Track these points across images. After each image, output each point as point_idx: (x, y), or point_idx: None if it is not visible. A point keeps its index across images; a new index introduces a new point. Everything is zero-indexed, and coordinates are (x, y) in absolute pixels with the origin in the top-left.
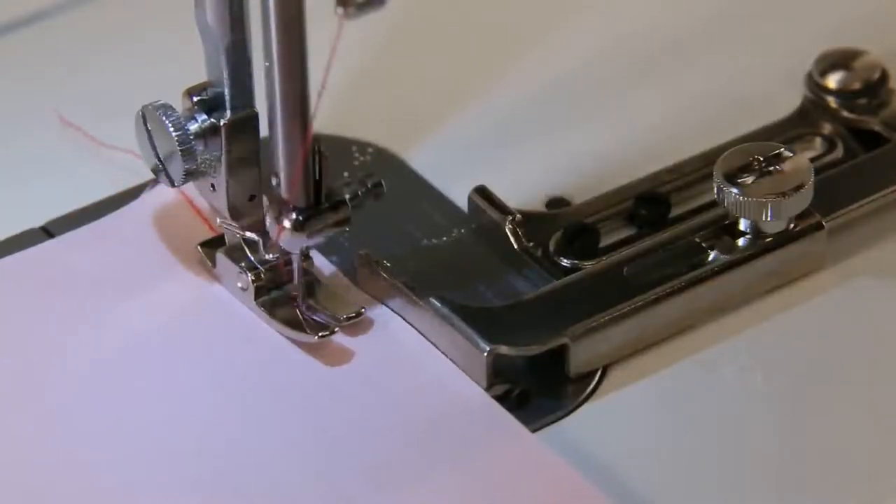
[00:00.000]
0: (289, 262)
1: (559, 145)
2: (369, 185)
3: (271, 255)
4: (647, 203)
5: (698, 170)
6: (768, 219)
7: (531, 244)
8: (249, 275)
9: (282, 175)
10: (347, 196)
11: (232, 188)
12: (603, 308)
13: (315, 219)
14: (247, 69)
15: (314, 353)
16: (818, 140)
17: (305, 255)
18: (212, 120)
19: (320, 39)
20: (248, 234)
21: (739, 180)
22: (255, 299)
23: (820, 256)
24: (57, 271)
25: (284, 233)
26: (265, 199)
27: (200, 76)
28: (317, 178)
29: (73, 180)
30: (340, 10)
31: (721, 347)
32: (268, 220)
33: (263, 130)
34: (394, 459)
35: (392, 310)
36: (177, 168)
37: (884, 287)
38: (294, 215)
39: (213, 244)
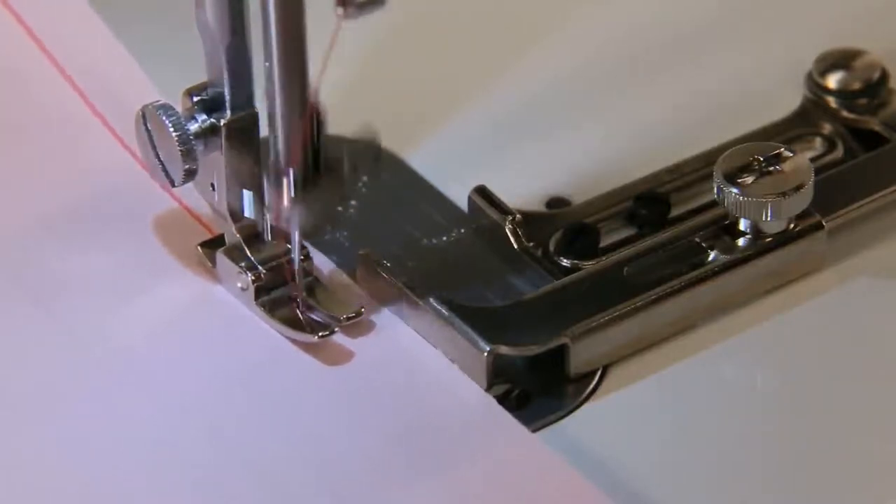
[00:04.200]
0: (289, 262)
1: (559, 145)
2: (368, 153)
3: (269, 232)
4: (647, 203)
5: (698, 170)
6: (768, 219)
7: (531, 244)
8: (249, 275)
9: (280, 145)
10: (346, 166)
11: (232, 188)
12: (603, 308)
13: (313, 189)
14: (247, 69)
15: (314, 353)
16: (818, 140)
17: (305, 256)
18: (212, 120)
19: (320, 40)
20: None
21: (739, 180)
22: (255, 299)
23: (820, 256)
24: (55, 271)
25: (282, 204)
26: (264, 182)
27: (200, 76)
28: (315, 145)
29: None
30: (340, 10)
31: (721, 347)
32: (266, 194)
33: (263, 130)
34: (394, 459)
35: (392, 310)
36: (177, 168)
37: (884, 287)
38: (293, 187)
39: (212, 244)
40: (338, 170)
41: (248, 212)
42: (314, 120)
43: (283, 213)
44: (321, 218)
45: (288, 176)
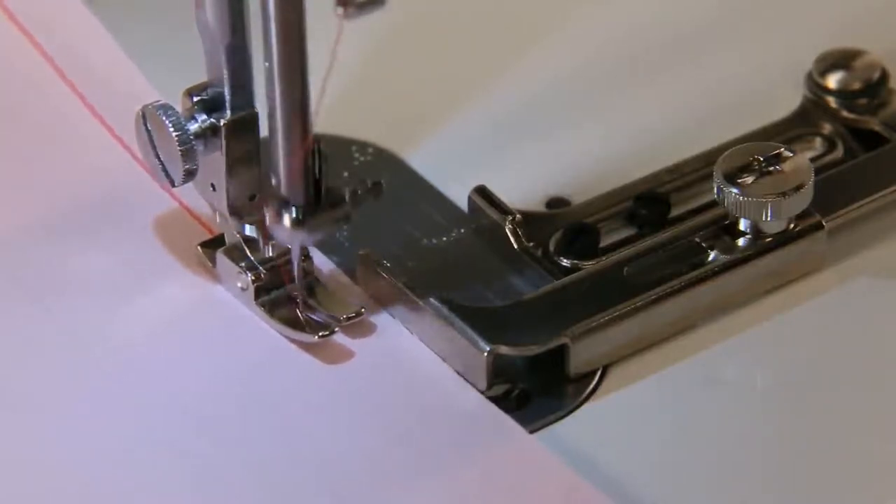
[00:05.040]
0: (289, 263)
1: (559, 145)
2: (369, 185)
3: (271, 252)
4: (647, 203)
5: (698, 170)
6: (768, 219)
7: (531, 244)
8: (249, 275)
9: (281, 172)
10: (347, 194)
11: (232, 188)
12: (603, 308)
13: (314, 216)
14: (247, 69)
15: (314, 353)
16: (818, 140)
17: (305, 255)
18: (212, 120)
19: (320, 40)
20: (247, 230)
21: (739, 180)
22: (255, 299)
23: (820, 256)
24: (55, 271)
25: (283, 229)
26: (265, 212)
27: (200, 76)
28: (316, 176)
29: None
30: (340, 10)
31: (721, 347)
32: (267, 218)
33: (263, 130)
34: (393, 459)
35: (392, 310)
36: (177, 168)
37: (884, 287)
38: (293, 212)
39: (212, 244)
40: (339, 202)
41: (249, 231)
42: (316, 153)
43: (283, 240)
44: (320, 242)
45: (288, 209)
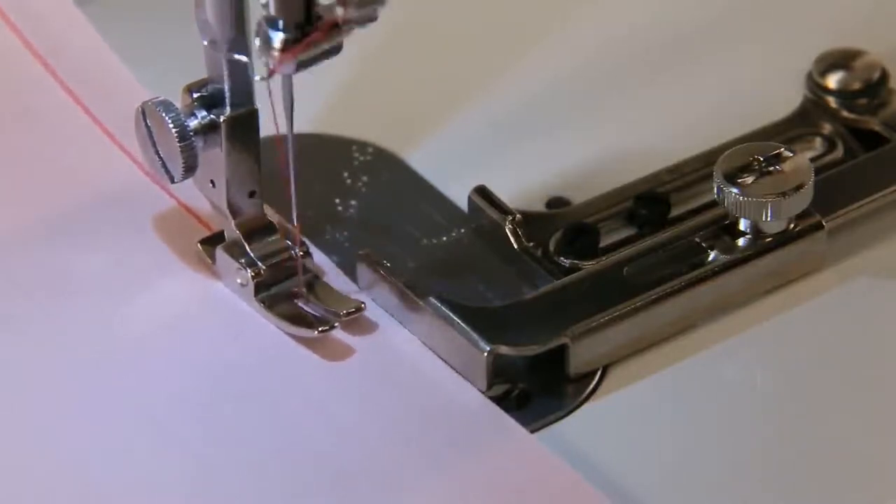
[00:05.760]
0: (289, 259)
1: (559, 145)
2: (363, 9)
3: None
4: (647, 203)
5: (698, 170)
6: (768, 219)
7: (531, 244)
8: (249, 271)
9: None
10: (340, 18)
11: (232, 185)
12: (603, 308)
13: (306, 41)
14: (246, 66)
15: (314, 349)
16: (818, 140)
17: (305, 252)
18: (211, 116)
19: None
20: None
21: (739, 180)
22: (255, 295)
23: (820, 256)
24: (55, 271)
25: (275, 57)
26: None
27: (200, 76)
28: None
29: None
30: (340, 10)
31: (721, 347)
32: (257, 44)
33: (263, 127)
34: (393, 458)
35: (392, 310)
36: (176, 164)
37: (884, 287)
38: (283, 35)
39: (212, 241)
40: (331, 26)
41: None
42: None
43: (274, 63)
44: (319, 59)
45: (277, 33)
